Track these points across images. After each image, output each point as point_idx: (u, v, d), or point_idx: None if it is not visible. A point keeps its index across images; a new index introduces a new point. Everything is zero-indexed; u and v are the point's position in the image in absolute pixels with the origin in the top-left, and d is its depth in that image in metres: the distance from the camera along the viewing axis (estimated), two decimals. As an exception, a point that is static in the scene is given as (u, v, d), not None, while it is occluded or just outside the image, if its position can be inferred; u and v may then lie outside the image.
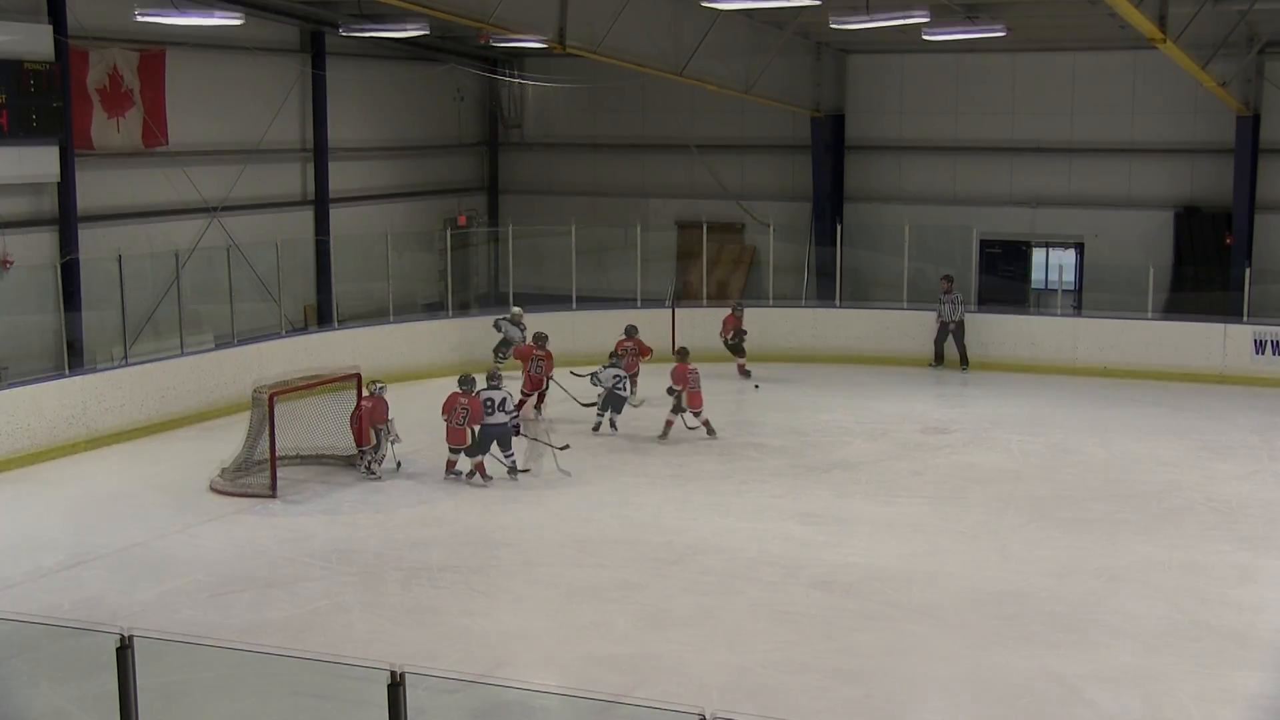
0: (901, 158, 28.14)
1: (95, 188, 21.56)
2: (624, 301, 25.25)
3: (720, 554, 13.91)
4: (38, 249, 20.49)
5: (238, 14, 20.21)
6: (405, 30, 23.41)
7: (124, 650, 7.56)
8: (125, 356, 19.70)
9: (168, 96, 22.65)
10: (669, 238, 29.17)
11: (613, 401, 18.95)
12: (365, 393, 17.10)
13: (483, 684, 10.55)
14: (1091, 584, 13.06)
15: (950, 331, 23.59)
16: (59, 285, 19.35)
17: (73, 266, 20.24)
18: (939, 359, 23.75)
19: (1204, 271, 25.19)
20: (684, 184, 29.77)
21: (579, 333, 24.22)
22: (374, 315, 23.93)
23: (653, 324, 24.69)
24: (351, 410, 17.06)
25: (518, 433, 16.79)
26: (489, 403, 16.51)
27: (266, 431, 16.23)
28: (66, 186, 20.63)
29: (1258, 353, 22.39)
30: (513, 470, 16.67)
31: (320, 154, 26.08)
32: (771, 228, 27.21)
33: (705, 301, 26.45)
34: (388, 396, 17.15)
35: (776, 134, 28.78)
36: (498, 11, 19.72)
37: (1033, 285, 26.69)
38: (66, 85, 20.19)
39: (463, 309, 26.18)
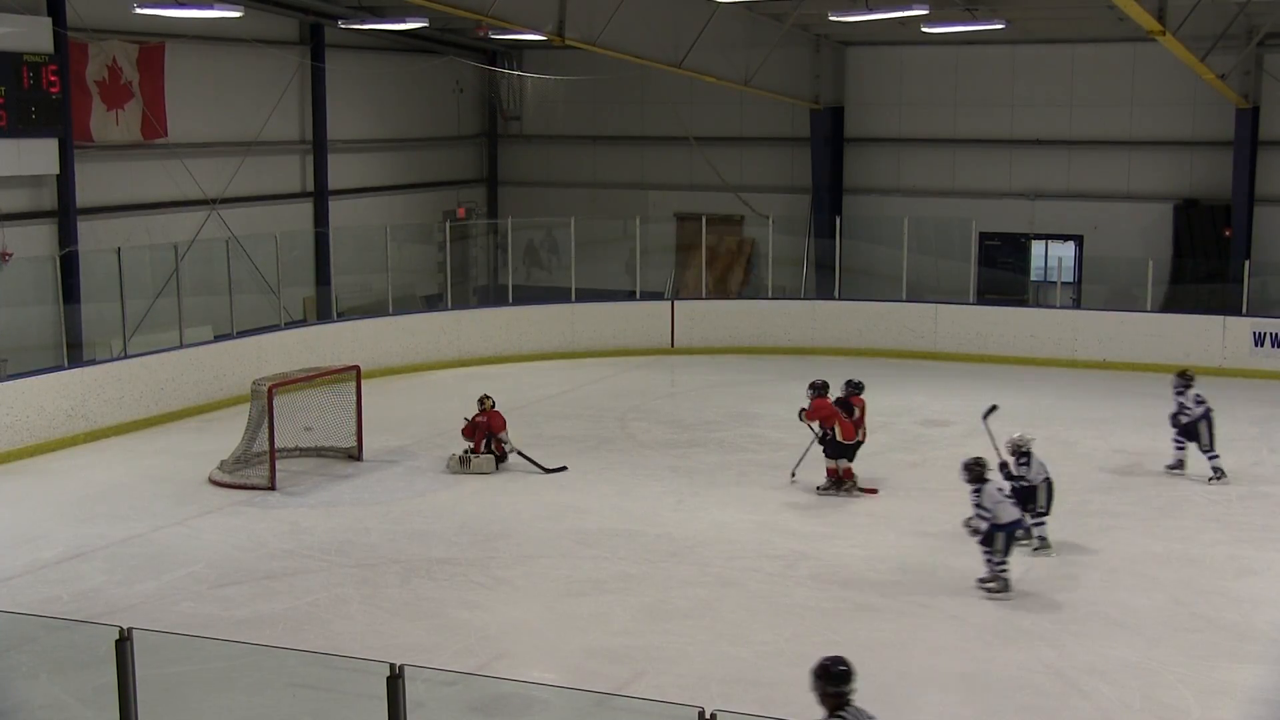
0: (901, 151, 28.12)
1: (94, 180, 21.56)
2: (623, 295, 25.27)
3: (719, 546, 13.92)
4: (37, 242, 20.49)
5: (237, 7, 20.19)
6: (404, 23, 23.45)
7: (123, 643, 7.57)
8: (124, 349, 19.70)
9: (167, 89, 22.65)
10: (668, 231, 29.18)
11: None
12: (480, 408, 17.00)
13: (481, 677, 10.56)
14: (1090, 577, 13.07)
15: None
16: (58, 278, 19.35)
17: (72, 259, 20.24)
18: None
19: (1203, 265, 25.20)
20: (683, 177, 29.76)
21: (578, 328, 24.26)
22: (373, 308, 23.94)
23: (652, 317, 24.77)
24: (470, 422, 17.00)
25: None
26: None
27: (266, 424, 16.24)
28: (66, 179, 20.62)
29: (1257, 345, 22.40)
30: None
31: (319, 147, 26.07)
32: (771, 221, 27.22)
33: (704, 294, 26.48)
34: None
35: (775, 127, 28.78)
36: (497, 4, 19.70)
37: (1032, 278, 26.68)
38: (66, 78, 20.17)
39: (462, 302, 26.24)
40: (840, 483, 15.74)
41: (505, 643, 11.54)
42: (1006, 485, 13.09)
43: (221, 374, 20.24)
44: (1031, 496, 13.63)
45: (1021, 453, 13.76)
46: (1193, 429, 16.16)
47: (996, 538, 12.56)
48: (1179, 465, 16.41)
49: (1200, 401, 16.11)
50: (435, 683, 9.97)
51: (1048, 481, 13.78)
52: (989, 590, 12.56)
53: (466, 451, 16.93)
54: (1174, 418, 16.37)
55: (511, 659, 11.19)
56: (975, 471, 12.72)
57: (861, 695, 10.60)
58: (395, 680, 6.97)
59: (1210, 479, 16.03)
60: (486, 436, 16.88)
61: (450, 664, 10.92)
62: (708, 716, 6.49)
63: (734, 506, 15.37)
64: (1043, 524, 13.73)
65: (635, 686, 10.45)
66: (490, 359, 23.38)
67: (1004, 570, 12.60)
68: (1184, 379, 16.35)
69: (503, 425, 16.96)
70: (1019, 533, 13.01)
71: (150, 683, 8.07)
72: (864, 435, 15.89)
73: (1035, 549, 13.64)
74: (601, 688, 10.26)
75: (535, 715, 9.95)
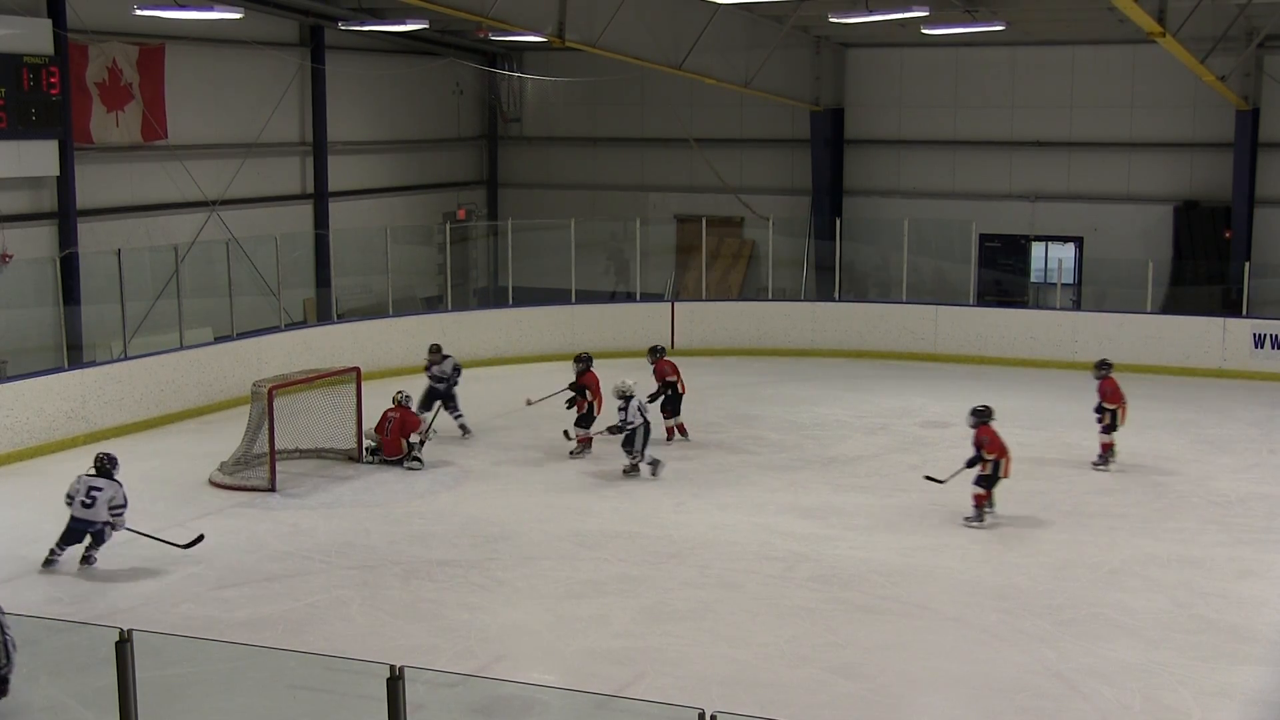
0: (901, 152, 28.13)
1: (94, 182, 21.57)
2: (623, 296, 25.26)
3: (719, 548, 13.92)
4: (37, 243, 20.49)
5: (237, 8, 20.19)
6: (404, 25, 23.46)
7: (123, 645, 7.57)
8: (124, 351, 19.70)
9: (167, 91, 22.66)
10: (668, 232, 29.18)
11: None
12: (393, 405, 17.44)
13: (481, 679, 10.57)
14: (1090, 578, 13.07)
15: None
16: (58, 280, 19.35)
17: (72, 261, 20.25)
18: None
19: (1203, 266, 25.20)
20: (683, 179, 29.76)
21: (578, 329, 24.23)
22: (373, 310, 23.95)
23: (652, 319, 24.77)
24: (378, 422, 17.39)
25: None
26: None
27: (266, 426, 16.24)
28: (66, 181, 20.63)
29: (1257, 347, 22.41)
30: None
31: (319, 148, 26.08)
32: (771, 222, 27.22)
33: (704, 296, 26.48)
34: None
35: (775, 128, 28.78)
36: (497, 6, 19.71)
37: (1032, 280, 26.69)
38: (66, 80, 20.18)
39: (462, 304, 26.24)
40: (585, 445, 17.56)
41: (505, 644, 11.54)
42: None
43: (222, 376, 20.23)
44: (632, 439, 16.17)
45: (623, 398, 16.22)
46: (440, 395, 18.47)
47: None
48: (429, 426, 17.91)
49: (441, 378, 18.51)
50: (435, 684, 9.97)
51: (646, 425, 16.27)
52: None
53: (376, 451, 17.30)
54: (432, 390, 18.60)
55: (512, 661, 11.19)
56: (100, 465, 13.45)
57: (862, 697, 10.63)
58: (395, 682, 6.97)
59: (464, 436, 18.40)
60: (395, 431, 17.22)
61: (450, 666, 10.92)
62: (708, 718, 6.49)
63: (734, 508, 15.37)
64: (638, 459, 16.29)
65: (635, 688, 10.46)
66: (490, 360, 23.38)
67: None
68: (434, 354, 18.70)
69: (416, 425, 17.38)
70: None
71: (150, 684, 8.08)
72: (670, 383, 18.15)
73: (648, 464, 16.35)
74: (602, 689, 10.27)
75: (535, 717, 9.94)
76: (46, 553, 13.35)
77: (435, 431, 17.75)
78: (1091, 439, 18.55)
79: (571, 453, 17.45)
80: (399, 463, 17.05)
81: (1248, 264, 23.09)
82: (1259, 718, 10.31)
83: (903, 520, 14.90)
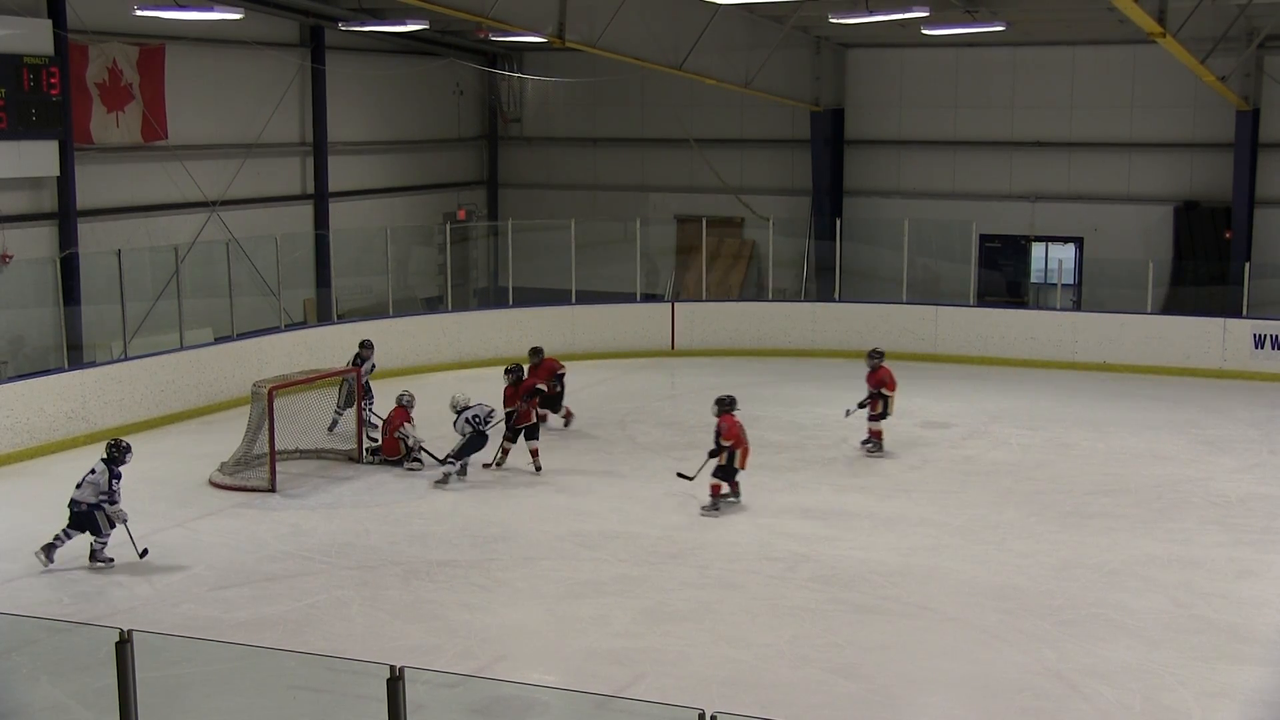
0: (901, 153, 28.13)
1: (94, 182, 21.57)
2: (623, 297, 25.27)
3: (719, 549, 13.92)
4: (37, 244, 20.50)
5: (237, 9, 20.19)
6: (405, 25, 23.47)
7: (123, 645, 7.57)
8: (125, 351, 19.71)
9: (167, 91, 22.66)
10: (668, 233, 29.18)
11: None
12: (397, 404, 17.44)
13: (481, 679, 10.57)
14: (1090, 579, 13.07)
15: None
16: (59, 280, 19.35)
17: (72, 261, 20.25)
18: None
19: (1204, 266, 25.20)
20: (683, 179, 29.76)
21: (578, 329, 24.24)
22: (374, 310, 23.94)
23: (652, 319, 24.77)
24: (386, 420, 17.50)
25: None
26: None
27: (266, 426, 16.24)
28: (66, 181, 20.63)
29: (1257, 347, 22.41)
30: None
31: (320, 149, 26.08)
32: (771, 223, 27.22)
33: (705, 296, 26.48)
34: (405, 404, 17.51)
35: (776, 129, 28.78)
36: (497, 6, 19.71)
37: (1032, 280, 26.69)
38: (66, 80, 20.18)
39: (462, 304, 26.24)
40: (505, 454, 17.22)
41: (505, 645, 11.54)
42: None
43: (222, 376, 20.24)
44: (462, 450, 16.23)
45: (456, 411, 16.31)
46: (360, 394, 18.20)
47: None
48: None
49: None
50: (435, 685, 9.97)
51: (476, 436, 16.25)
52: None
53: (376, 451, 17.30)
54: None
55: (512, 661, 11.19)
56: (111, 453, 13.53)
57: (862, 698, 10.63)
58: (395, 682, 6.97)
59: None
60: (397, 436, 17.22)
61: (450, 666, 10.93)
62: (708, 718, 6.49)
63: (734, 509, 15.36)
64: (453, 465, 16.23)
65: (635, 689, 10.46)
66: (490, 361, 23.33)
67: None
68: (364, 348, 18.82)
69: (401, 423, 17.20)
70: None
71: (150, 685, 8.08)
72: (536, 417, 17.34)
73: (438, 481, 16.21)
74: (602, 690, 10.27)
75: (535, 717, 9.95)
76: (51, 537, 13.38)
77: (419, 441, 17.28)
78: (1091, 440, 18.58)
79: (498, 464, 16.98)
80: (399, 463, 17.05)
81: (1248, 264, 23.09)
82: (1259, 718, 10.31)
83: (903, 520, 14.90)
